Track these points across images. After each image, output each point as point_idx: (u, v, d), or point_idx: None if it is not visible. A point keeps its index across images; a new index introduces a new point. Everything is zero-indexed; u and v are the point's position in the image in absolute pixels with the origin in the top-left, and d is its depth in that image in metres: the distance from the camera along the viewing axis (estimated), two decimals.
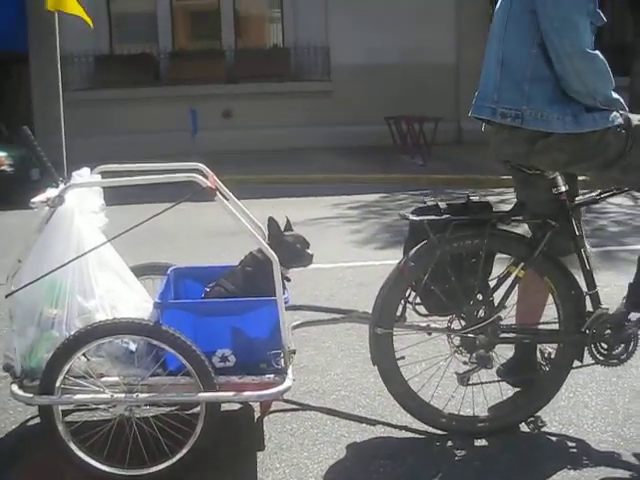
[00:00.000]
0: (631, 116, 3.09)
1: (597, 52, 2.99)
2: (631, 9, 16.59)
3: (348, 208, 10.52)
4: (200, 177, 2.86)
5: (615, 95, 3.05)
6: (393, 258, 3.32)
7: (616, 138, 3.03)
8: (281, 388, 2.88)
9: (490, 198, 3.32)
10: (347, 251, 7.48)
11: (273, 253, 2.89)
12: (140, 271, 3.65)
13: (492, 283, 3.29)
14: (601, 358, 3.27)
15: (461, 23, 19.16)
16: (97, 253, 3.09)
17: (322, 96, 18.58)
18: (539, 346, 3.48)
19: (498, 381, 3.43)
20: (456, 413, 3.36)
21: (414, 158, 15.24)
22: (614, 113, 3.03)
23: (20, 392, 2.90)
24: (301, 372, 4.08)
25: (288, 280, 3.37)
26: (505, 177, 12.21)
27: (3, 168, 12.51)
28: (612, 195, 3.36)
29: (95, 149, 14.51)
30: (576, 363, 3.34)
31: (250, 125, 17.75)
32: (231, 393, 2.88)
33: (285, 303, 2.96)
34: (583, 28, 2.95)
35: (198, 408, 2.93)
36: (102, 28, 18.87)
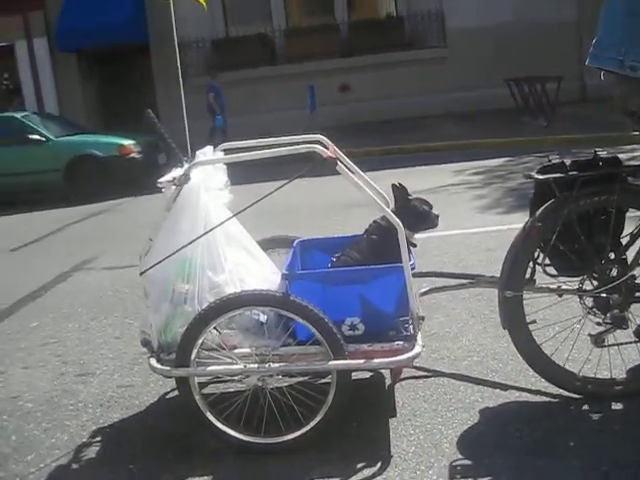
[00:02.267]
0: None
1: None
2: None
3: (471, 174, 10.35)
4: (321, 148, 2.87)
5: None
6: (519, 222, 3.24)
7: None
8: (411, 354, 2.88)
9: (620, 156, 3.17)
10: (472, 217, 7.38)
11: (397, 220, 2.86)
12: (267, 244, 3.71)
13: (624, 241, 3.16)
14: None
15: None
16: (224, 228, 3.16)
17: (439, 62, 18.33)
18: None
19: (636, 342, 3.30)
20: (592, 376, 3.26)
21: (537, 120, 14.80)
22: None
23: (158, 365, 3.02)
24: (432, 339, 4.08)
25: (414, 246, 3.35)
26: (636, 133, 11.76)
27: (132, 155, 12.96)
28: None
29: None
30: None
31: (367, 97, 17.74)
32: (361, 360, 2.90)
33: (411, 269, 2.94)
34: None
35: (329, 377, 2.97)
36: (217, 12, 19.22)
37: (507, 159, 11.42)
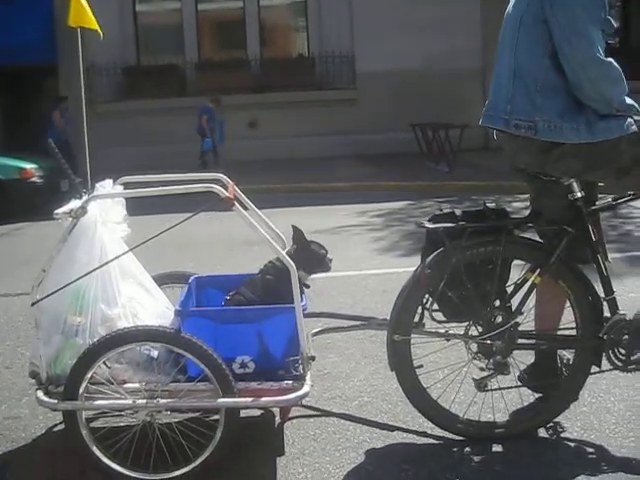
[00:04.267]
0: None
1: (610, 59, 3.00)
2: None
3: (373, 216, 10.54)
4: (218, 187, 2.92)
5: (630, 100, 3.06)
6: (415, 265, 3.35)
7: (630, 145, 3.04)
8: (299, 394, 2.93)
9: (517, 204, 3.34)
10: (371, 259, 7.51)
11: (291, 261, 2.93)
12: (162, 280, 3.72)
13: (509, 289, 3.31)
14: (619, 364, 3.27)
15: (486, 27, 19.12)
16: (119, 262, 3.16)
17: (347, 104, 18.62)
18: (558, 352, 3.49)
19: (517, 387, 3.45)
20: (474, 419, 3.37)
21: (440, 165, 15.22)
22: (629, 120, 3.04)
23: (45, 398, 2.98)
24: (324, 379, 4.13)
25: (307, 287, 3.43)
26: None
27: (33, 179, 12.69)
28: (629, 200, 3.36)
29: (124, 159, 14.74)
30: (594, 369, 3.34)
31: (276, 134, 17.85)
32: (249, 399, 2.94)
33: (303, 310, 3.00)
34: (595, 36, 2.96)
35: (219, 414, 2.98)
36: (129, 40, 19.15)
37: (408, 202, 11.68)
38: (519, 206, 3.35)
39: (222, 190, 2.91)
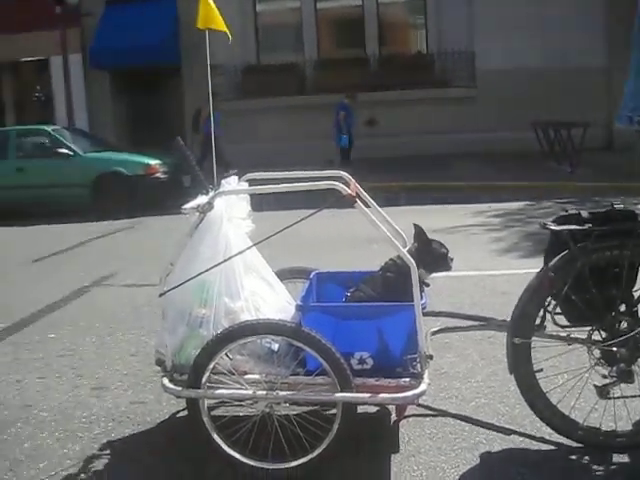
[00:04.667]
0: None
1: None
2: None
3: (492, 216, 10.42)
4: (341, 185, 2.95)
5: None
6: (536, 267, 3.29)
7: None
8: (416, 392, 2.93)
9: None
10: (490, 259, 7.43)
11: (411, 259, 2.94)
12: (285, 275, 3.79)
13: (636, 294, 3.20)
14: None
15: (612, 25, 18.52)
16: (243, 257, 3.25)
17: (467, 102, 18.41)
18: None
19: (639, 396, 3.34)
20: (594, 426, 3.29)
21: (562, 165, 14.84)
22: None
23: (170, 385, 3.10)
24: (442, 378, 4.13)
25: (427, 285, 3.42)
26: None
27: (157, 175, 13.14)
28: None
29: (245, 157, 15.01)
30: None
31: (395, 132, 17.83)
32: (367, 394, 2.96)
33: (422, 309, 3.00)
34: None
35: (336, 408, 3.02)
36: (249, 40, 19.50)
37: (528, 203, 11.48)
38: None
39: (344, 187, 2.94)
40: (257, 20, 20.07)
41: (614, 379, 3.14)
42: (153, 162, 13.28)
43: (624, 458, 3.19)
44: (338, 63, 19.37)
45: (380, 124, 18.47)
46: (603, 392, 3.16)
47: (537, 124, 16.07)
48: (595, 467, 3.14)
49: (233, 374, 3.04)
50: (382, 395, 2.97)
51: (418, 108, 18.15)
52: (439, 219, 9.12)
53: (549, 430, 3.32)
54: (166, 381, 3.13)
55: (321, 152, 15.85)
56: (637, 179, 11.40)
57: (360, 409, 3.38)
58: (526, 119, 16.24)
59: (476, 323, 3.61)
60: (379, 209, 3.58)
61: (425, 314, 3.35)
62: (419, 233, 3.41)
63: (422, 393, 2.96)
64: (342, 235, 8.77)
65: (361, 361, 3.06)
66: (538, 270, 3.22)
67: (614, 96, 18.62)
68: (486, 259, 7.42)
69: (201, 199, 3.23)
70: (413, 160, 16.91)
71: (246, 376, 3.06)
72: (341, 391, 2.93)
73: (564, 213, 3.20)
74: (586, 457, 3.21)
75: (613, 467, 3.14)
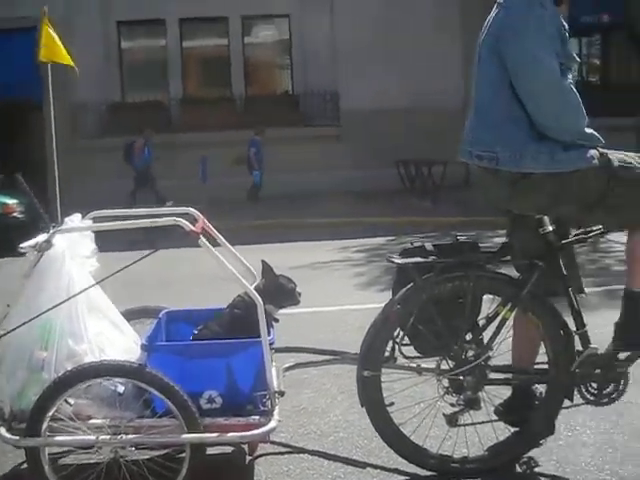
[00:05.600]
0: (611, 155, 3.08)
1: (568, 85, 2.99)
2: (636, 47, 16.63)
3: (355, 251, 10.56)
4: (184, 222, 2.90)
5: (589, 130, 3.05)
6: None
7: (597, 179, 3.02)
8: (265, 429, 2.89)
9: (498, 239, 3.32)
10: (351, 294, 7.48)
11: (257, 295, 2.92)
12: (133, 315, 3.68)
13: (481, 323, 3.28)
14: (591, 398, 3.25)
15: (468, 66, 19.30)
16: (87, 297, 3.13)
17: (331, 141, 18.69)
18: (533, 386, 3.46)
19: (489, 422, 3.40)
20: (446, 454, 3.33)
21: (423, 201, 15.28)
22: (593, 152, 3.03)
23: (7, 435, 2.93)
24: (300, 414, 4.10)
25: (276, 321, 3.40)
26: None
27: (15, 215, 12.66)
28: (600, 234, 3.34)
29: (108, 194, 14.65)
30: (567, 403, 3.32)
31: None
32: (215, 434, 2.89)
33: (270, 344, 2.98)
34: (549, 64, 2.93)
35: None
36: (114, 77, 19.21)
37: (390, 238, 11.71)
38: (500, 241, 3.35)
39: (187, 224, 2.89)
40: (122, 57, 19.81)
41: (462, 407, 3.19)
42: (10, 201, 12.79)
43: None
44: (204, 102, 19.33)
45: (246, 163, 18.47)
46: (452, 420, 3.22)
47: (399, 162, 16.52)
48: None
49: (75, 420, 2.90)
50: (231, 434, 2.92)
51: (285, 147, 18.23)
52: (303, 255, 9.18)
53: (404, 460, 3.34)
54: (3, 430, 2.95)
55: (188, 191, 15.67)
56: (492, 213, 11.82)
57: (217, 449, 3.33)
58: (390, 157, 16.66)
59: (330, 357, 3.61)
60: (229, 246, 3.55)
61: (278, 350, 3.34)
62: (266, 269, 3.40)
63: (271, 430, 2.92)
64: (201, 273, 8.64)
65: (210, 400, 2.99)
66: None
67: None
68: (348, 294, 7.46)
69: (41, 237, 3.11)
70: (280, 198, 16.99)
71: (90, 421, 2.93)
72: (188, 432, 2.85)
73: (409, 246, 3.26)
74: None
75: None
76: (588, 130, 3.05)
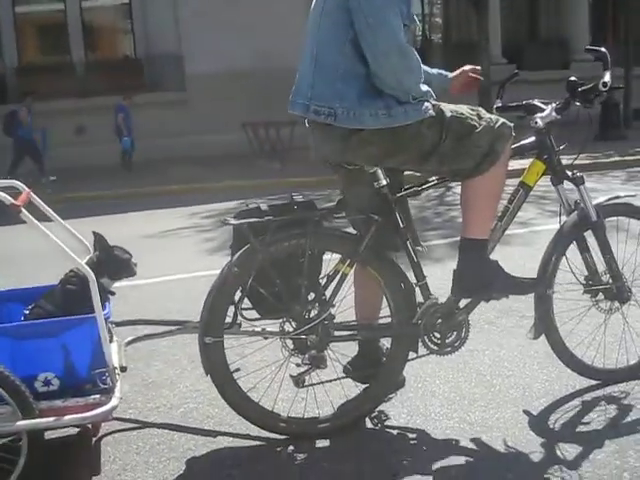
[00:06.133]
0: (444, 107, 3.13)
1: (411, 48, 3.00)
2: (474, 7, 17.13)
3: (203, 217, 10.41)
4: (3, 194, 2.71)
5: (425, 87, 3.09)
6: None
7: (430, 130, 3.07)
8: (106, 408, 2.77)
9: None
10: (201, 260, 7.34)
11: (88, 269, 2.78)
12: None
13: (322, 282, 3.25)
14: (435, 348, 3.31)
15: None
16: None
17: (177, 106, 18.35)
18: (380, 341, 3.50)
19: (336, 379, 3.41)
20: (297, 416, 3.32)
21: (272, 163, 15.27)
22: (426, 104, 3.06)
23: None
24: (149, 387, 3.99)
25: (112, 294, 3.29)
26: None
27: None
28: (433, 186, 3.38)
29: None
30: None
31: (104, 139, 17.22)
32: (51, 418, 2.75)
33: (106, 319, 2.86)
34: (397, 26, 2.95)
35: None
36: None
37: (240, 202, 11.53)
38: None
39: (7, 197, 2.71)
40: None
41: (308, 367, 3.17)
42: None
43: (328, 443, 3.25)
44: (42, 70, 18.52)
45: (89, 132, 17.87)
46: (299, 381, 3.20)
47: (247, 125, 16.40)
48: (301, 456, 3.17)
49: None
50: (69, 416, 2.77)
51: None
52: (151, 224, 8.96)
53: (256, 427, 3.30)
54: None
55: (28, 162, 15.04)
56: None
57: (61, 432, 3.21)
58: (238, 120, 16.51)
59: (173, 328, 3.51)
60: (60, 220, 3.38)
61: (119, 324, 3.21)
62: (99, 241, 3.26)
63: (112, 409, 2.79)
64: (33, 250, 8.28)
65: (46, 382, 2.84)
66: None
67: None
68: (197, 260, 7.32)
69: None
70: (125, 167, 16.61)
71: None
72: (23, 418, 2.70)
73: (245, 208, 3.20)
74: (292, 448, 3.22)
75: (318, 454, 3.18)
76: (424, 88, 3.08)
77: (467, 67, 3.57)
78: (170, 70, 18.76)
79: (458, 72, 3.57)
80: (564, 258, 3.48)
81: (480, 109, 3.23)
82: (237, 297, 3.16)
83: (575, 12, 23.32)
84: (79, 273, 3.10)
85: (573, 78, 3.37)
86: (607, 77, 3.16)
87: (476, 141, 3.12)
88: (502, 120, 3.20)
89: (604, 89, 3.19)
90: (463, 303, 3.36)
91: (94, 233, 3.28)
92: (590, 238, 3.53)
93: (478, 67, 3.60)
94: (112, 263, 3.24)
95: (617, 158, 14.18)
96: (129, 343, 3.44)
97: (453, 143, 3.10)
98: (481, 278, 3.27)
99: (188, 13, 18.47)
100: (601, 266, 3.55)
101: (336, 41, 3.04)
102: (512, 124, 3.22)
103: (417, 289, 3.31)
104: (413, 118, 3.03)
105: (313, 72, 3.11)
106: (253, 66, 18.39)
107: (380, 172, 3.18)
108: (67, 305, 3.07)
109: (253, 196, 11.40)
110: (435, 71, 3.53)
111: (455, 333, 3.33)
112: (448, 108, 3.15)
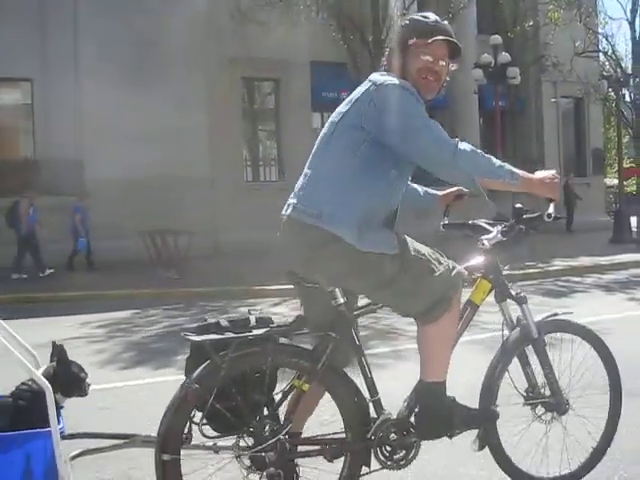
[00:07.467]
0: (410, 245, 3.23)
1: (458, 141, 3.07)
2: None
3: (95, 327, 10.03)
4: None
5: (498, 162, 3.12)
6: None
7: (391, 264, 3.14)
8: None
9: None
10: (91, 373, 6.97)
11: (46, 382, 2.66)
12: None
13: (277, 397, 3.20)
14: (387, 462, 3.28)
15: (214, 138, 19.67)
16: None
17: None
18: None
19: None
20: None
21: (169, 272, 15.13)
22: (394, 242, 3.16)
23: None
24: None
25: (61, 408, 3.13)
26: (258, 287, 12.46)
27: None
28: (380, 307, 3.42)
29: None
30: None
31: (3, 242, 16.52)
32: None
33: (61, 433, 2.73)
34: (434, 126, 3.05)
35: None
36: None
37: (135, 311, 11.42)
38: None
39: None
40: None
41: None
42: None
43: None
44: None
45: None
46: None
47: (145, 232, 16.26)
48: None
49: None
50: None
51: None
52: (41, 332, 8.55)
53: None
54: None
55: None
56: (237, 284, 11.93)
57: None
58: (136, 228, 16.29)
59: (120, 441, 3.34)
60: (6, 326, 3.23)
61: (65, 437, 3.06)
62: (59, 353, 3.15)
63: None
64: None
65: None
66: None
67: (219, 205, 19.57)
68: (88, 373, 6.95)
69: None
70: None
71: None
72: None
73: (203, 323, 3.15)
74: None
75: None
76: (498, 163, 3.12)
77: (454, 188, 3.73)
78: (68, 175, 18.43)
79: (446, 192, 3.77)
80: (507, 372, 3.58)
81: (440, 254, 3.33)
82: (196, 414, 3.06)
83: (467, 132, 24.37)
84: (33, 386, 2.96)
85: (519, 205, 3.58)
86: (551, 209, 3.35)
87: (430, 285, 3.21)
88: (458, 269, 3.31)
89: (548, 220, 3.38)
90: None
91: (54, 344, 3.16)
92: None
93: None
94: (68, 378, 3.14)
95: None
96: (74, 457, 3.25)
97: (409, 282, 3.18)
98: (441, 420, 3.33)
99: (91, 119, 18.39)
100: (541, 379, 3.66)
101: (343, 155, 3.13)
102: (466, 273, 3.36)
103: (370, 404, 3.30)
104: (380, 249, 3.10)
105: (309, 179, 3.19)
106: (152, 175, 18.36)
107: (338, 291, 3.21)
108: (18, 420, 2.91)
109: (149, 305, 11.35)
110: (422, 190, 3.75)
111: (404, 452, 3.32)
112: (413, 246, 3.24)
